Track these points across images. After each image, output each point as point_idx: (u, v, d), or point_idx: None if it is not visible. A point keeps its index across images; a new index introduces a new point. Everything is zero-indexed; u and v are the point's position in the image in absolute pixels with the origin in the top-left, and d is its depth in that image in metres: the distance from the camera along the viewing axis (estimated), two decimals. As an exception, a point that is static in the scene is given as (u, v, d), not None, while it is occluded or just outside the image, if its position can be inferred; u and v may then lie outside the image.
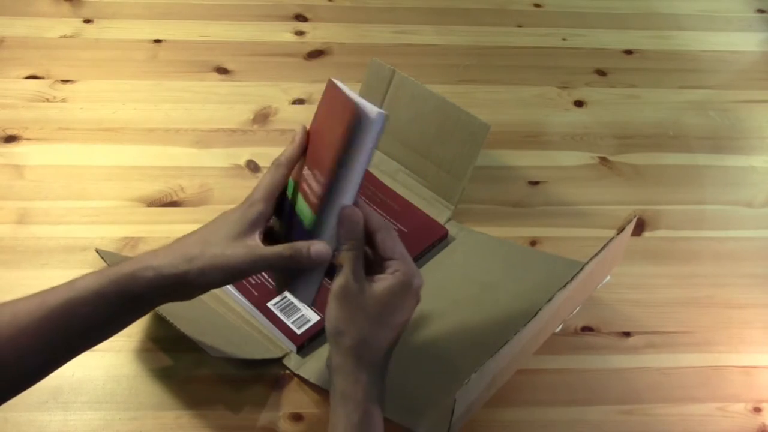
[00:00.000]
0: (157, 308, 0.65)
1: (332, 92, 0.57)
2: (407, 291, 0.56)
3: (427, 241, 0.79)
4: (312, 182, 0.57)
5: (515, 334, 0.58)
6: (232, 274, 0.54)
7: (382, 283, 0.55)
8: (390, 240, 0.56)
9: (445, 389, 0.66)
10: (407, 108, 0.84)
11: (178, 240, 0.56)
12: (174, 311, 0.66)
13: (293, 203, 0.59)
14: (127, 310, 0.54)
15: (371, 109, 0.54)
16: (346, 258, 0.55)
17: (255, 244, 0.55)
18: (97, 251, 0.70)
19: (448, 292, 0.75)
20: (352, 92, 0.56)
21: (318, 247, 0.55)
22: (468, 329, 0.72)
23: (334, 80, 0.57)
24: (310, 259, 0.55)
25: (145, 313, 0.56)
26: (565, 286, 0.60)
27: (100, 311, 0.52)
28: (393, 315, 0.56)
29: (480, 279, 0.77)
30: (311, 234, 0.56)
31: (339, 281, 0.55)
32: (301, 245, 0.55)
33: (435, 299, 0.73)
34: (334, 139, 0.54)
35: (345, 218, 0.55)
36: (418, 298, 0.58)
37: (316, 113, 0.59)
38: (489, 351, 0.57)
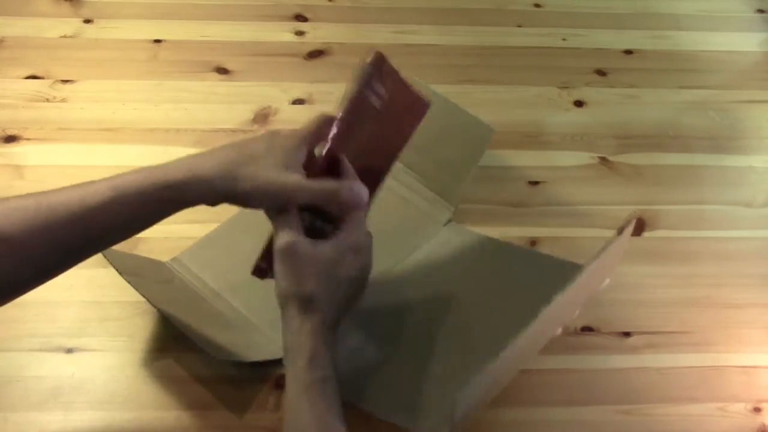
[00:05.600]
0: (162, 309, 0.65)
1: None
2: (349, 249, 0.58)
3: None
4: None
5: (515, 338, 0.58)
6: (277, 200, 0.57)
7: (327, 243, 0.57)
8: (349, 196, 0.59)
9: (443, 390, 0.66)
10: None
11: (224, 151, 0.58)
12: (177, 311, 0.66)
13: None
14: (164, 212, 0.57)
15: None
16: (282, 214, 0.57)
17: (302, 174, 0.58)
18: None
19: (445, 294, 0.75)
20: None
21: (360, 187, 0.59)
22: (466, 331, 0.72)
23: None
24: (351, 195, 0.58)
25: (163, 217, 0.58)
26: (564, 288, 0.61)
27: (140, 213, 0.56)
28: (336, 271, 0.57)
29: (478, 281, 0.77)
30: None
31: (284, 238, 0.56)
32: (344, 183, 0.59)
33: (433, 301, 0.73)
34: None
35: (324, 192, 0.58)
36: (367, 258, 0.60)
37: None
38: (487, 353, 0.57)
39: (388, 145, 0.67)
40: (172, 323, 0.64)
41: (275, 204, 0.58)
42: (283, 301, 0.57)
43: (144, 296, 0.66)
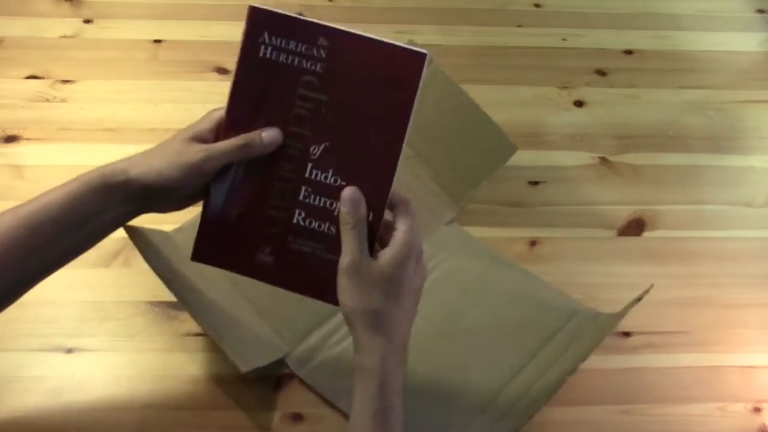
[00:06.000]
0: (186, 307, 0.64)
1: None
2: (409, 258, 0.55)
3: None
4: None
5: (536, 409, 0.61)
6: (190, 169, 0.56)
7: (385, 254, 0.55)
8: (400, 211, 0.56)
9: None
10: (436, 101, 0.83)
11: (147, 150, 0.58)
12: (202, 314, 0.66)
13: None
14: (99, 211, 0.56)
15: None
16: (349, 235, 0.55)
17: (210, 143, 0.57)
18: (125, 228, 0.68)
19: (440, 305, 0.75)
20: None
21: (270, 132, 0.57)
22: (452, 364, 0.71)
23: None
24: (263, 144, 0.56)
25: (116, 221, 0.58)
26: (594, 346, 0.65)
27: (73, 210, 0.56)
28: (401, 284, 0.55)
29: (472, 297, 0.76)
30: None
31: (345, 259, 0.55)
32: (254, 134, 0.56)
33: (429, 310, 0.73)
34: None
35: (347, 199, 0.56)
36: (424, 266, 0.57)
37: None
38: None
39: (376, 117, 0.56)
40: (173, 323, 0.64)
41: (190, 175, 0.56)
42: (351, 318, 0.56)
43: (172, 291, 0.64)
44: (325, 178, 0.57)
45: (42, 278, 0.57)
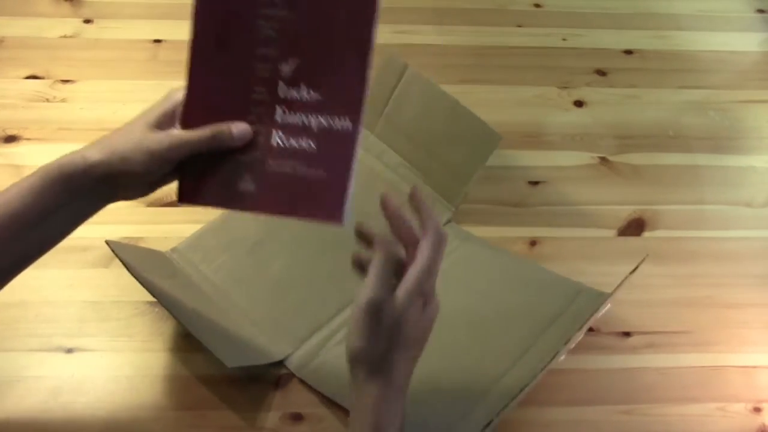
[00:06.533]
0: (170, 311, 0.64)
1: None
2: (419, 295, 0.52)
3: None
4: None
5: (533, 380, 0.60)
6: (154, 157, 0.55)
7: (399, 291, 0.52)
8: (425, 235, 0.53)
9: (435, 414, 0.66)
10: (416, 104, 0.84)
11: (104, 136, 0.57)
12: (184, 313, 0.66)
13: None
14: (62, 204, 0.55)
15: None
16: (377, 270, 0.52)
17: (176, 129, 0.56)
18: (107, 242, 0.68)
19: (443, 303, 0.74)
20: None
21: (241, 126, 0.56)
22: (456, 352, 0.71)
23: None
24: (233, 139, 0.55)
25: (82, 212, 0.57)
26: (582, 327, 0.63)
27: (35, 205, 0.54)
28: (408, 327, 0.53)
29: (476, 291, 0.76)
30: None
31: (366, 293, 0.52)
32: (223, 125, 0.55)
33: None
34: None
35: (381, 244, 0.53)
36: (435, 303, 0.55)
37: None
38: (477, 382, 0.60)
39: (343, 29, 0.55)
40: (173, 323, 0.64)
41: (155, 163, 0.55)
42: (354, 361, 0.53)
43: (155, 296, 0.65)
44: (299, 93, 0.56)
45: (9, 278, 0.56)
